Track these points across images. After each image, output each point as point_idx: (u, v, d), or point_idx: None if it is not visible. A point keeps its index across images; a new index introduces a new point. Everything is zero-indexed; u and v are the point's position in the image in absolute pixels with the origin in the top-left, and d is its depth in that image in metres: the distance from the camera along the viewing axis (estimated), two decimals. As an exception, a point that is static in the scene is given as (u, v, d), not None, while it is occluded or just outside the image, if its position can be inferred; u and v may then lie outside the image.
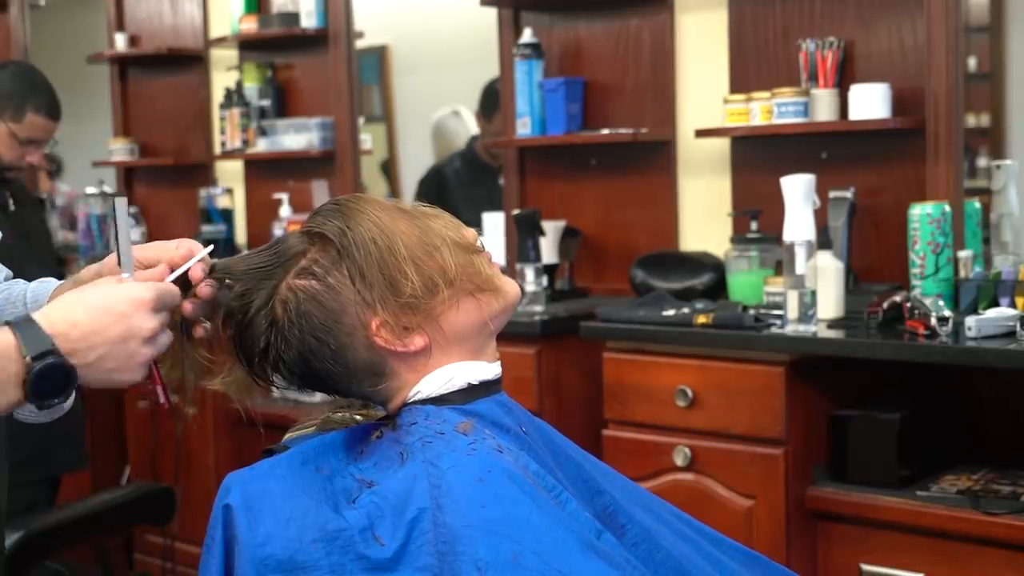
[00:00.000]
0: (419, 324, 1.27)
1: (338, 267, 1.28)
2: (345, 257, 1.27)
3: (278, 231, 4.16)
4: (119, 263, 1.25)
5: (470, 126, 4.21)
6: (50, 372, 1.12)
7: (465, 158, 4.07)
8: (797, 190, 2.65)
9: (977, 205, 2.90)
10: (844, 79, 2.97)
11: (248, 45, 4.33)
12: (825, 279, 2.71)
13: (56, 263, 3.24)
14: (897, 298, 2.61)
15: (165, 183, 4.73)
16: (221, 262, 1.32)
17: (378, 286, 1.27)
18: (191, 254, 1.29)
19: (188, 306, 1.28)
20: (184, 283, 1.28)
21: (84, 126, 4.49)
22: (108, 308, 1.16)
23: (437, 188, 4.05)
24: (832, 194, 2.91)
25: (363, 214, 1.29)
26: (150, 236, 4.64)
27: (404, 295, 1.26)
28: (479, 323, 1.31)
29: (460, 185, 4.04)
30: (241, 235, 4.47)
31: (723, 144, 3.24)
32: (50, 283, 1.43)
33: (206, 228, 4.35)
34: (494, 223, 3.66)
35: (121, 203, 1.26)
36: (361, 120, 4.17)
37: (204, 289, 1.28)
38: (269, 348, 1.29)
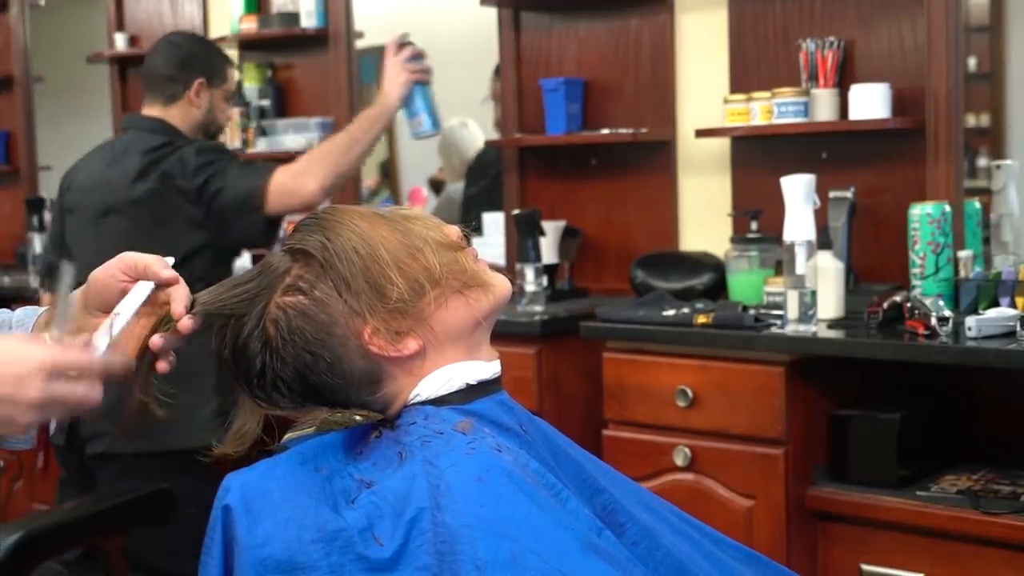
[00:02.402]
0: (410, 327, 1.27)
1: (323, 280, 1.28)
2: (329, 269, 1.27)
3: (278, 231, 4.16)
4: (56, 320, 1.22)
5: (478, 137, 4.21)
6: None
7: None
8: (797, 190, 2.65)
9: (977, 205, 2.90)
10: (844, 79, 2.97)
11: (248, 45, 4.33)
12: (825, 279, 2.71)
13: None
14: (897, 298, 2.61)
15: (165, 183, 4.72)
16: (207, 295, 1.31)
17: (365, 294, 1.27)
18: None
19: (158, 340, 1.27)
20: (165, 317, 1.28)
21: (84, 126, 4.49)
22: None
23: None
24: (832, 194, 2.91)
25: (342, 225, 1.29)
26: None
27: (391, 300, 1.26)
28: (470, 320, 1.30)
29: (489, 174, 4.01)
30: (241, 235, 4.46)
31: (723, 144, 3.24)
32: (35, 311, 1.39)
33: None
34: (494, 223, 3.66)
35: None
36: (361, 120, 4.16)
37: (186, 323, 1.28)
38: (265, 369, 1.29)
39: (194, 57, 3.08)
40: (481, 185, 3.94)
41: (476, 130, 4.25)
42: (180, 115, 3.06)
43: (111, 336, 1.24)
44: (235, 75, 3.20)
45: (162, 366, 1.28)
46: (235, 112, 4.27)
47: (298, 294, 1.28)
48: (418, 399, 1.29)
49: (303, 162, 2.92)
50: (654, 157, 3.38)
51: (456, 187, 4.29)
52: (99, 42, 4.79)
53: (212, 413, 2.89)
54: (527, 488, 1.20)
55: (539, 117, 3.52)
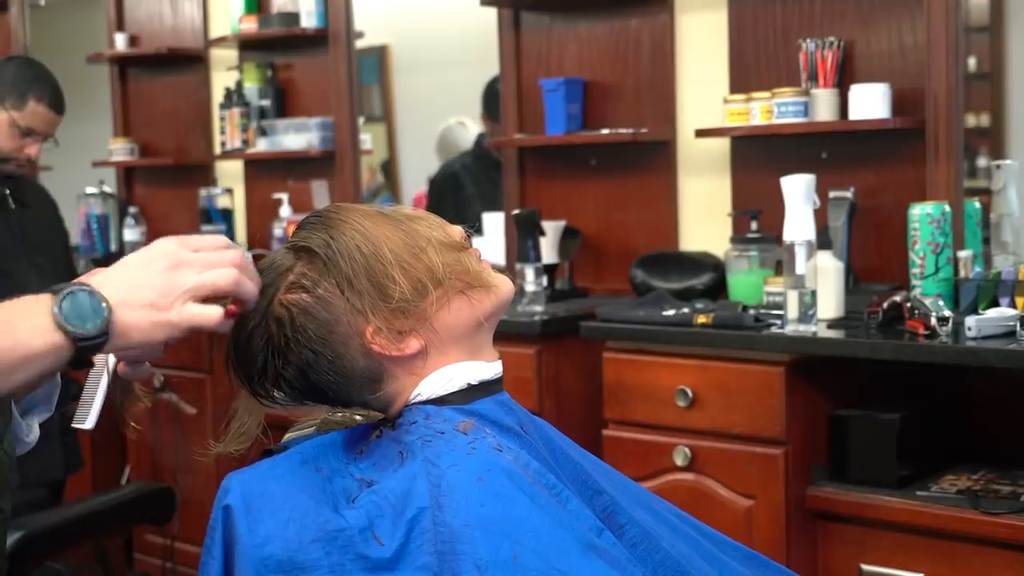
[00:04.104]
0: (413, 327, 1.27)
1: (326, 278, 1.27)
2: (332, 267, 1.27)
3: (278, 231, 4.16)
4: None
5: (476, 135, 4.21)
6: (77, 303, 1.07)
7: (475, 155, 4.06)
8: (797, 190, 2.65)
9: (977, 205, 2.90)
10: (844, 79, 2.97)
11: (248, 45, 4.34)
12: (825, 279, 2.71)
13: (66, 271, 3.23)
14: (897, 298, 2.61)
15: (165, 183, 4.73)
16: None
17: (367, 293, 1.26)
18: None
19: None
20: None
21: (84, 126, 4.49)
22: (141, 252, 1.15)
23: (453, 187, 4.04)
24: (832, 194, 2.91)
25: (346, 223, 1.29)
26: (150, 236, 4.64)
27: (393, 300, 1.26)
28: (472, 321, 1.30)
29: (474, 182, 4.03)
30: (241, 235, 4.47)
31: (723, 144, 3.23)
32: None
33: (206, 228, 4.35)
34: (494, 223, 3.66)
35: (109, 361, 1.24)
36: (361, 120, 4.17)
37: None
38: (267, 366, 1.29)
39: (0, 72, 3.06)
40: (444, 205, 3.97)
41: (475, 129, 4.25)
42: None
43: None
44: (39, 115, 3.08)
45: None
46: (235, 112, 4.28)
47: (301, 292, 1.28)
48: (419, 399, 1.29)
49: None
50: (654, 157, 3.38)
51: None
52: (99, 42, 4.79)
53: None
54: (528, 488, 1.20)
55: (539, 117, 3.52)
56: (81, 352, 1.09)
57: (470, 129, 4.27)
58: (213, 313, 1.13)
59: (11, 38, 4.99)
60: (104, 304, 1.09)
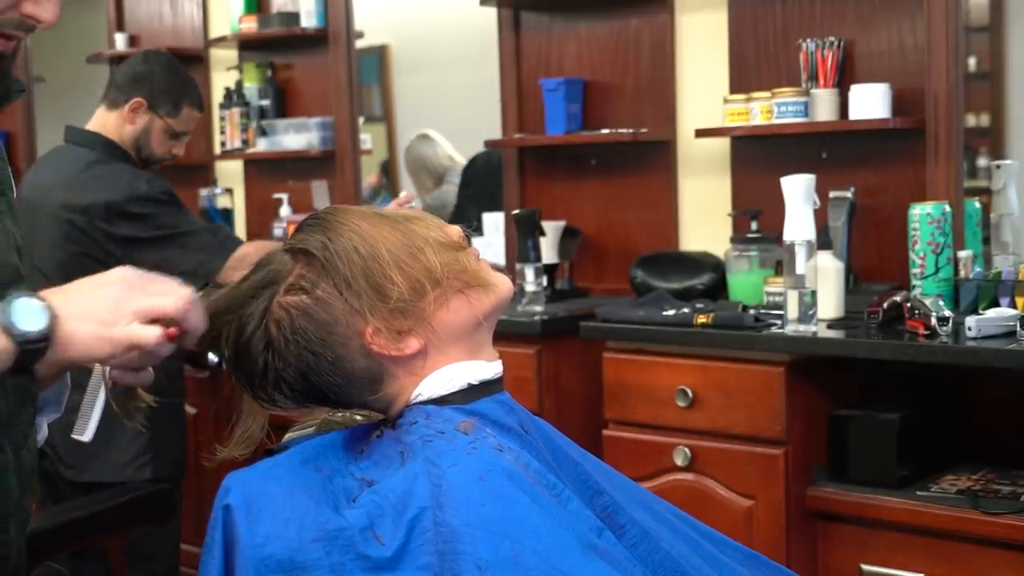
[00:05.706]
0: (412, 327, 1.28)
1: (325, 280, 1.28)
2: (330, 269, 1.28)
3: (278, 231, 4.17)
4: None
5: (439, 148, 4.21)
6: (23, 307, 1.11)
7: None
8: (797, 190, 2.65)
9: (977, 205, 2.90)
10: (844, 79, 2.97)
11: (248, 45, 4.34)
12: (825, 279, 2.71)
13: None
14: (897, 298, 2.61)
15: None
16: (212, 302, 1.31)
17: (365, 294, 1.27)
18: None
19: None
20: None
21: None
22: (97, 276, 1.18)
23: (465, 179, 4.04)
24: (832, 194, 2.91)
25: (344, 225, 1.30)
26: (150, 236, 4.63)
27: (392, 300, 1.26)
28: (471, 320, 1.31)
29: (485, 177, 4.01)
30: (241, 235, 4.46)
31: (723, 144, 3.23)
32: None
33: (206, 228, 4.35)
34: (494, 223, 3.66)
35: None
36: (361, 120, 4.17)
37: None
38: (268, 369, 1.29)
39: (150, 78, 3.06)
40: (479, 188, 3.94)
41: (438, 139, 4.24)
42: (115, 126, 3.05)
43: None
44: (192, 118, 3.12)
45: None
46: (235, 112, 4.28)
47: (300, 293, 1.28)
48: (420, 399, 1.29)
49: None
50: (654, 157, 3.38)
51: (449, 188, 4.27)
52: (99, 42, 4.79)
53: (141, 449, 2.92)
54: (528, 488, 1.20)
55: (539, 117, 3.52)
56: (24, 356, 1.11)
57: (435, 140, 4.26)
58: (151, 332, 1.15)
59: (11, 38, 4.99)
60: (49, 311, 1.11)
